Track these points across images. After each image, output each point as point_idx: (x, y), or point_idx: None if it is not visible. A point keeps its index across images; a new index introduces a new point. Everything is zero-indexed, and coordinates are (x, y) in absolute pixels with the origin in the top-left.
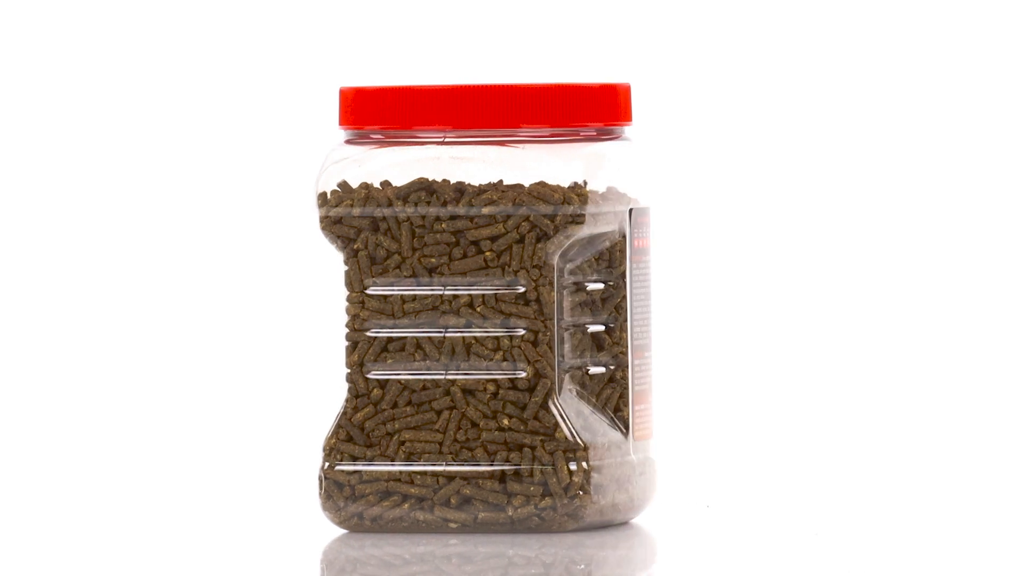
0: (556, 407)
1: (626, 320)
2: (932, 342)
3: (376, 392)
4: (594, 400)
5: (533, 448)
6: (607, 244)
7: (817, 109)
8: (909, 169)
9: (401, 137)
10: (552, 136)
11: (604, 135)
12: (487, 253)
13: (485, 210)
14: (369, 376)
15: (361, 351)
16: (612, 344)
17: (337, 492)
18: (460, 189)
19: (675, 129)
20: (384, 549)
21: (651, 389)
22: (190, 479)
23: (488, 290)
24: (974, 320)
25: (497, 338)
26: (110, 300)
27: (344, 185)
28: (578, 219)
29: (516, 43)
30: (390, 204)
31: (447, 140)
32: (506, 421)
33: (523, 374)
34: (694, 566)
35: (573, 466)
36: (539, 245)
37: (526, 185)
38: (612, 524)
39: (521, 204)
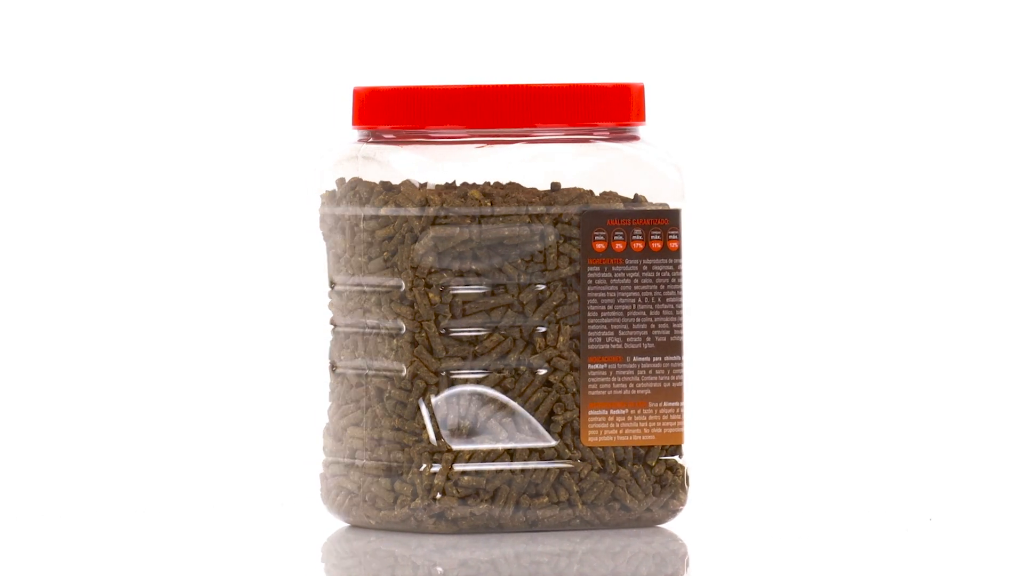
0: (426, 408)
1: (564, 323)
2: (934, 343)
3: (334, 386)
4: (519, 403)
5: (409, 448)
6: (538, 246)
7: (830, 108)
8: (926, 166)
9: (415, 137)
10: (566, 136)
11: (618, 135)
12: (384, 254)
13: (383, 211)
14: (336, 370)
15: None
16: (546, 347)
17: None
18: (387, 188)
19: (690, 129)
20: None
21: (639, 394)
22: (191, 478)
23: (382, 290)
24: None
25: (391, 337)
26: (115, 300)
27: (340, 182)
28: (440, 220)
29: (529, 43)
30: (339, 204)
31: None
32: (396, 420)
33: (404, 374)
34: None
35: (435, 468)
36: (413, 247)
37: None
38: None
39: (401, 206)
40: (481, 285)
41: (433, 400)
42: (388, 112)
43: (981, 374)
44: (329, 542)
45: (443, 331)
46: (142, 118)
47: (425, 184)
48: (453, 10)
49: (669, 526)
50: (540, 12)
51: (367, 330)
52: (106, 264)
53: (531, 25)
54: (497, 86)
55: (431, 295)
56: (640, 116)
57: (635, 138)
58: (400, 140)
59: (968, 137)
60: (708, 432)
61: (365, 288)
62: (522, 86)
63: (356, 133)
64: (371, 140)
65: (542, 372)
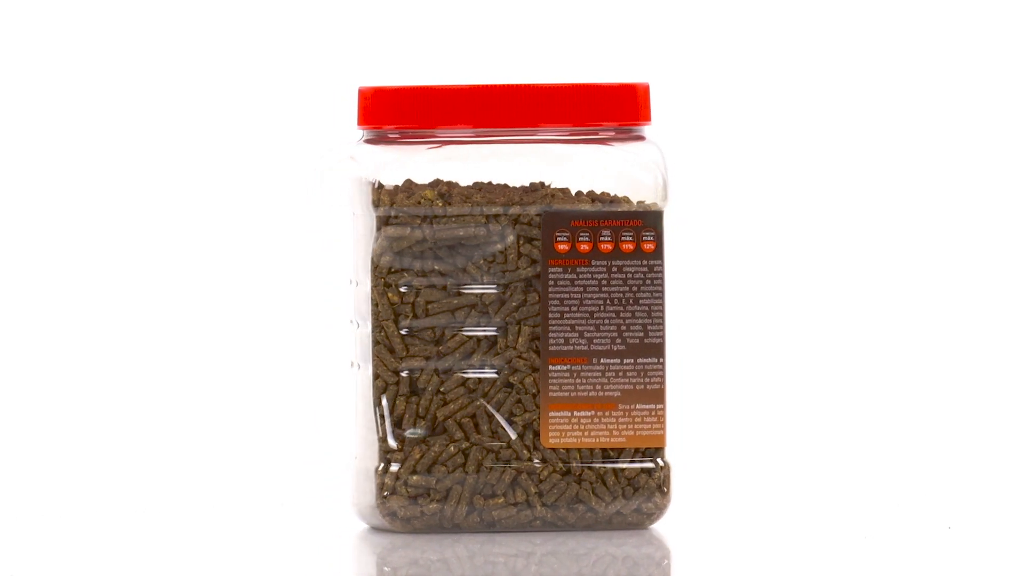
0: (379, 407)
1: (524, 324)
2: (923, 346)
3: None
4: (482, 403)
5: (373, 447)
6: (498, 247)
7: (834, 108)
8: (928, 166)
9: (420, 137)
10: (572, 136)
11: (623, 135)
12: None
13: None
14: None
15: None
16: (506, 348)
17: None
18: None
19: (695, 129)
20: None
21: (607, 396)
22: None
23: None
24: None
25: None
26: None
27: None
28: (392, 220)
29: (534, 43)
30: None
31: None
32: (366, 420)
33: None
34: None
35: (385, 466)
36: (373, 247)
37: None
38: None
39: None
40: (446, 285)
41: (386, 399)
42: (393, 112)
43: (969, 374)
44: (321, 543)
45: (404, 331)
46: (147, 119)
47: (380, 185)
48: (457, 10)
49: (658, 529)
50: (544, 12)
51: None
52: (106, 264)
53: (536, 25)
54: (503, 86)
55: (390, 295)
56: (646, 116)
57: (641, 138)
58: (405, 140)
59: (968, 145)
60: (705, 434)
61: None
62: (528, 86)
63: (361, 133)
64: (376, 140)
65: (503, 373)
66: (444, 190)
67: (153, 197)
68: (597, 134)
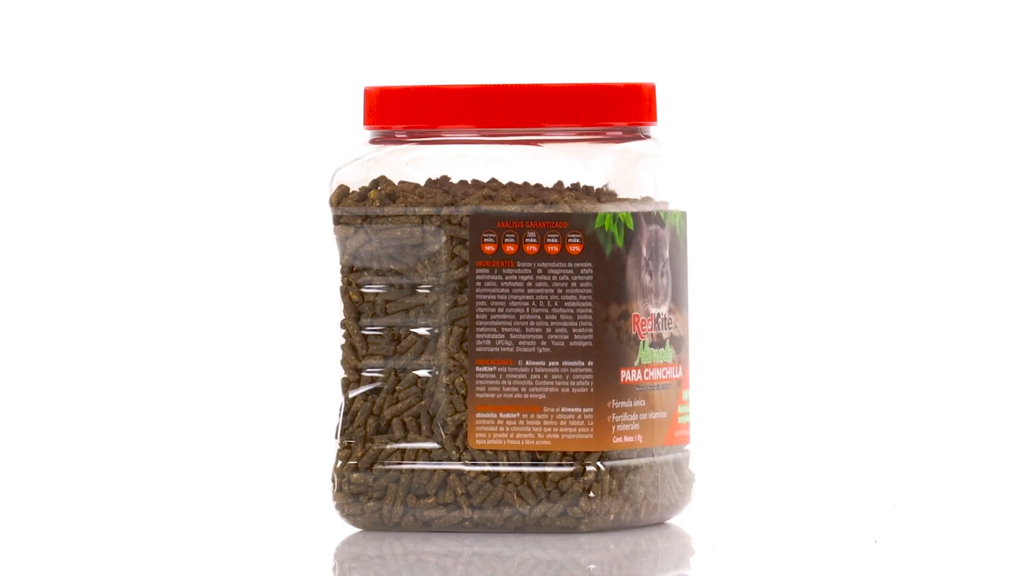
0: (342, 405)
1: (456, 325)
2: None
3: None
4: (419, 402)
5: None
6: (435, 248)
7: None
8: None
9: (426, 136)
10: (578, 136)
11: (629, 135)
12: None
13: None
14: None
15: None
16: (438, 349)
17: None
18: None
19: (701, 129)
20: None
21: (532, 399)
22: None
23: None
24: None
25: None
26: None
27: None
28: (341, 220)
29: (541, 43)
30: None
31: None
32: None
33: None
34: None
35: (338, 464)
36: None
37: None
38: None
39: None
40: (402, 285)
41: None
42: (400, 112)
43: (985, 374)
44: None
45: (362, 329)
46: (152, 120)
47: (342, 187)
48: (464, 10)
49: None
50: (550, 12)
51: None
52: (106, 264)
53: (542, 25)
54: (509, 86)
55: (352, 294)
56: (651, 116)
57: (647, 138)
58: (411, 140)
59: (967, 146)
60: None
61: None
62: (534, 86)
63: (367, 133)
64: (383, 140)
65: (438, 373)
66: (387, 190)
67: (153, 197)
68: (603, 134)
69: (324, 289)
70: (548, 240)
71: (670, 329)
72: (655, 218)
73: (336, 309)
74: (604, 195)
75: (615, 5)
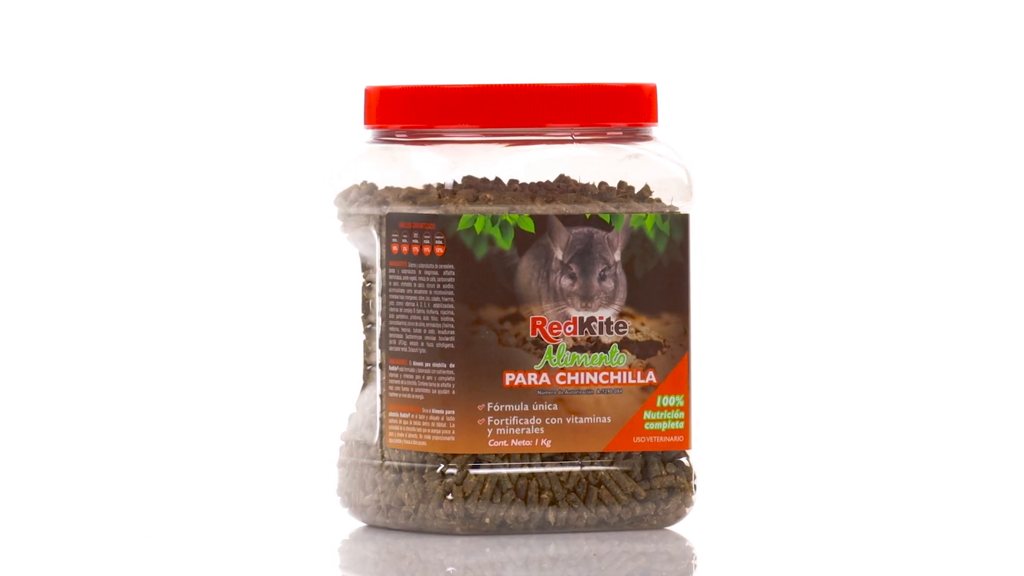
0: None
1: (373, 326)
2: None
3: None
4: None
5: None
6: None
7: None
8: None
9: (427, 136)
10: (579, 136)
11: (630, 135)
12: None
13: None
14: None
15: None
16: (369, 350)
17: None
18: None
19: (702, 129)
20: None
21: (415, 399)
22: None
23: None
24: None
25: None
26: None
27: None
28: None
29: (541, 43)
30: None
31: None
32: None
33: None
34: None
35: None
36: None
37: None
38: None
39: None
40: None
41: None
42: (401, 111)
43: (986, 377)
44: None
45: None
46: (153, 120)
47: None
48: (465, 10)
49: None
50: (552, 12)
51: None
52: (107, 264)
53: (543, 25)
54: (511, 85)
55: (363, 291)
56: (653, 116)
57: (648, 138)
58: (413, 140)
59: (967, 146)
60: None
61: None
62: (536, 85)
63: (368, 133)
64: (382, 140)
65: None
66: (364, 188)
67: (153, 197)
68: (604, 134)
69: (323, 289)
70: (424, 242)
71: (622, 333)
72: (596, 221)
73: (335, 309)
74: (482, 197)
75: (616, 5)
